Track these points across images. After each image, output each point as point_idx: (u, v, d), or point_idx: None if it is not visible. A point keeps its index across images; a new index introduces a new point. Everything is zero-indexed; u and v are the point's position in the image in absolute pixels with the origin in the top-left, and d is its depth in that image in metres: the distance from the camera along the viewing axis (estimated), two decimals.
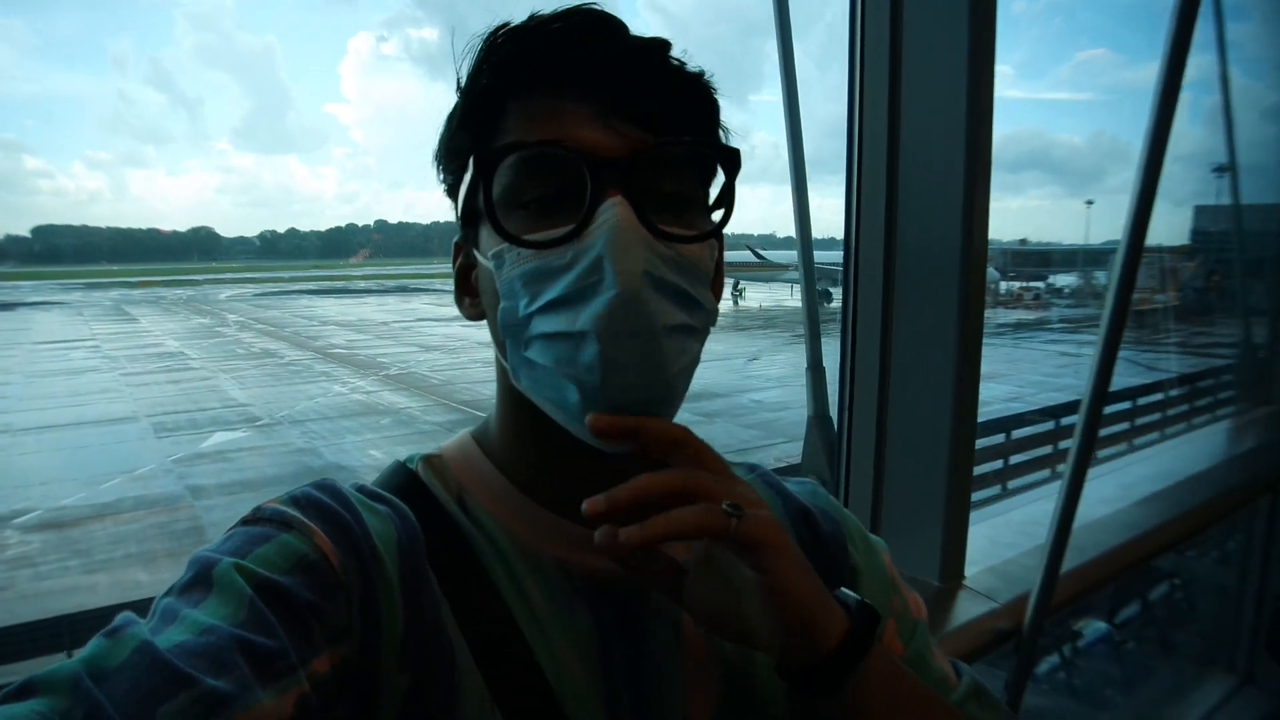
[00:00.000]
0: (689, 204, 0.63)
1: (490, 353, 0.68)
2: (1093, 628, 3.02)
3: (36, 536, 9.66)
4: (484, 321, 0.67)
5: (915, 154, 1.49)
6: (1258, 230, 3.74)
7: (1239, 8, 3.64)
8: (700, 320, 0.61)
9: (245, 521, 0.58)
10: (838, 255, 1.69)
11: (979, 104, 1.41)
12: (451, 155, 0.66)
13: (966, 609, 1.51)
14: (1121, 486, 2.33)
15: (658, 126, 0.60)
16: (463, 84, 0.64)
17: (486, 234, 0.62)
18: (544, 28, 0.61)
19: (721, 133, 0.67)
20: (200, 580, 0.52)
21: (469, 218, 0.66)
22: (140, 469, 12.20)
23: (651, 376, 0.57)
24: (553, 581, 0.65)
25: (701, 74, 0.65)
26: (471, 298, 0.69)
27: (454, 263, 0.71)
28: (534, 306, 0.58)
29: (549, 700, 0.60)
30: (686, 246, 0.59)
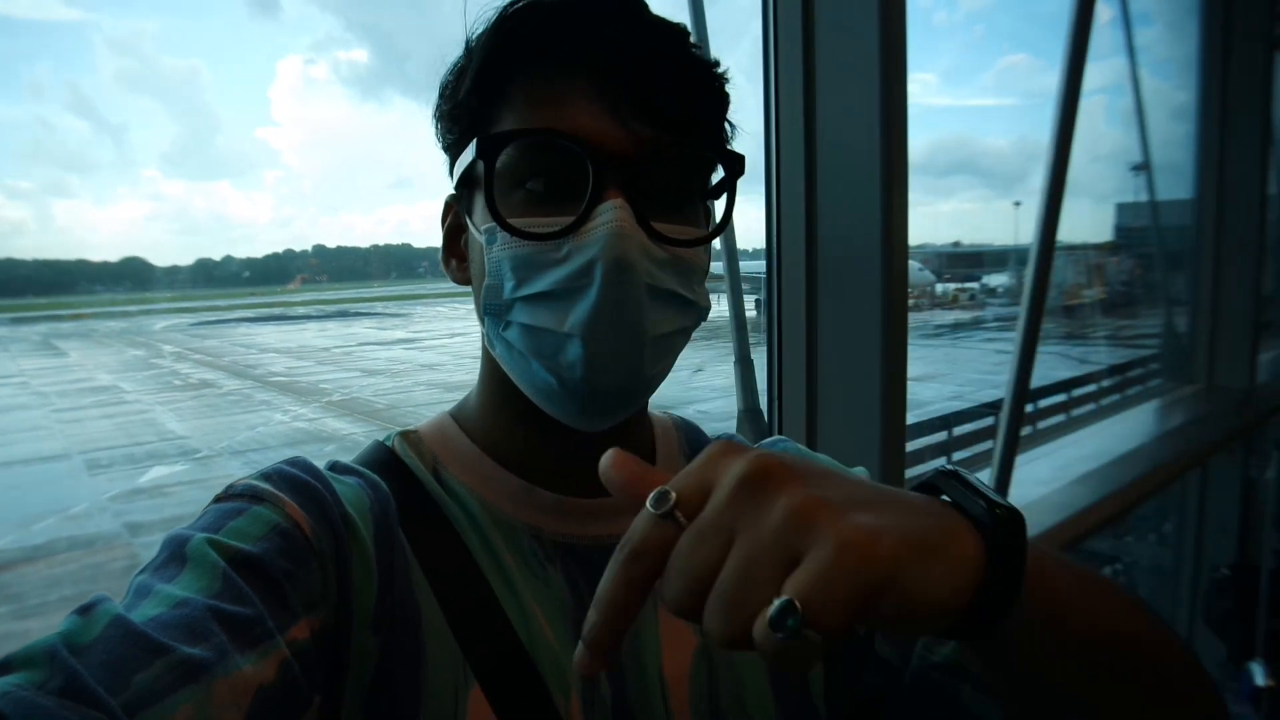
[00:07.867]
0: (688, 200, 0.62)
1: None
2: None
3: None
4: (466, 287, 0.66)
5: (832, 157, 1.50)
6: (1174, 225, 3.91)
7: (1144, 14, 3.80)
8: (692, 319, 0.62)
9: (217, 499, 0.58)
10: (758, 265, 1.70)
11: (893, 106, 1.43)
12: (454, 119, 0.64)
13: None
14: (1056, 468, 2.41)
15: (669, 124, 0.58)
16: (472, 45, 0.62)
17: (482, 205, 0.61)
18: (565, 4, 0.59)
19: (727, 125, 0.65)
20: (174, 557, 0.52)
21: (466, 181, 0.64)
22: (74, 508, 11.66)
23: (632, 373, 0.59)
24: (526, 547, 0.65)
25: (716, 64, 0.63)
26: (460, 261, 0.68)
27: (443, 221, 0.69)
28: (520, 293, 0.58)
29: (523, 661, 0.60)
30: (684, 249, 0.59)
